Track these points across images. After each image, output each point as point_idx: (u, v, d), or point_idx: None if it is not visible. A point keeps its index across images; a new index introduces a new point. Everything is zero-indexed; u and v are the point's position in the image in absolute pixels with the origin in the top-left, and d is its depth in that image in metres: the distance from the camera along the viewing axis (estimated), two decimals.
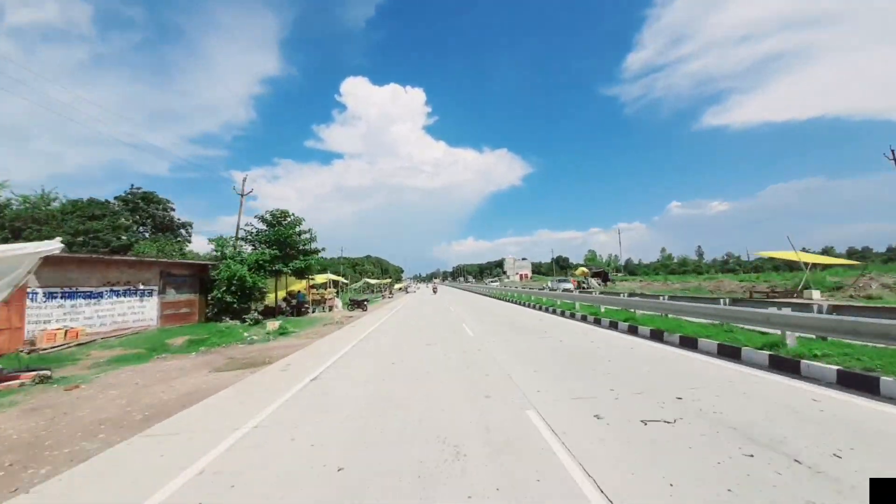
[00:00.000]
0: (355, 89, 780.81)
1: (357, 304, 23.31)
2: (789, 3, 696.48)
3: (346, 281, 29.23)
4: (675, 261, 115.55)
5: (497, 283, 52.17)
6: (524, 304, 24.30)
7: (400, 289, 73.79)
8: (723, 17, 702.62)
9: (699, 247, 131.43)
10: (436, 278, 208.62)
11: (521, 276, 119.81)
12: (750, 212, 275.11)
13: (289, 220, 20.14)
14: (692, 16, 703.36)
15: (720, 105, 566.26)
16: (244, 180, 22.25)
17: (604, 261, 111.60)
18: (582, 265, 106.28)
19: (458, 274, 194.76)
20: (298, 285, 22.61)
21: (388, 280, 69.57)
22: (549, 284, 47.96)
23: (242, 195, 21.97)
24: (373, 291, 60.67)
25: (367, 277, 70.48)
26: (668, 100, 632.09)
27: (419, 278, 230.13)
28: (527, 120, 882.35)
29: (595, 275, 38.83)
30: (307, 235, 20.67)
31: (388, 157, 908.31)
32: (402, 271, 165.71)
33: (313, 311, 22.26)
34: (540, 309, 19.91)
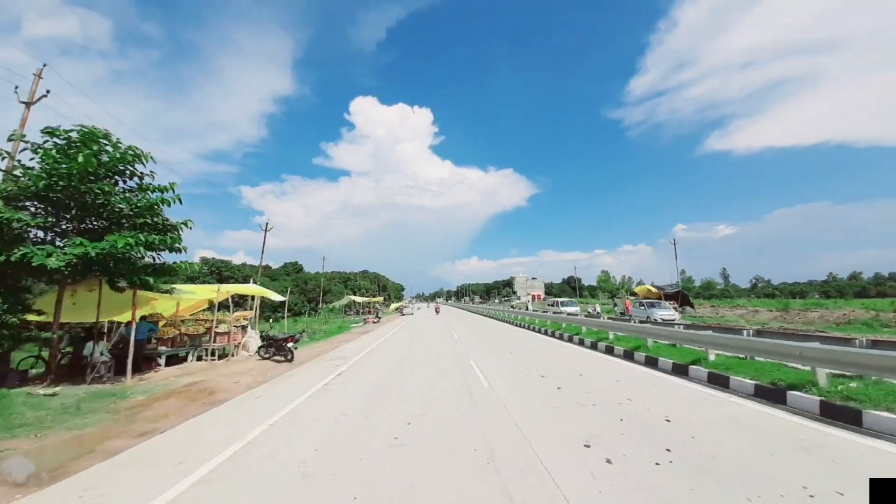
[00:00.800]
0: (364, 108, 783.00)
1: (276, 348, 11.65)
2: (792, 30, 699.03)
3: (282, 298, 17.50)
4: (698, 284, 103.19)
5: (575, 308, 29.66)
6: (637, 360, 12.66)
7: (396, 309, 61.83)
8: (726, 43, 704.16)
9: (724, 269, 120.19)
10: (439, 298, 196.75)
11: (533, 296, 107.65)
12: (757, 236, 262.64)
13: (100, 147, 8.11)
14: (695, 41, 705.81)
15: (723, 130, 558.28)
16: (38, 77, 10.90)
17: (617, 283, 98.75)
18: (601, 283, 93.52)
19: (462, 293, 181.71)
20: (163, 305, 11.28)
21: (378, 299, 57.85)
22: (597, 308, 35.40)
23: (29, 103, 10.59)
24: (358, 312, 49.03)
25: (357, 295, 58.76)
26: (672, 124, 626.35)
27: (422, 297, 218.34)
28: (532, 141, 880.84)
29: (669, 297, 26.47)
30: (157, 197, 8.64)
31: (394, 176, 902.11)
32: (404, 289, 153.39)
33: (186, 360, 10.75)
34: (717, 386, 8.20)
